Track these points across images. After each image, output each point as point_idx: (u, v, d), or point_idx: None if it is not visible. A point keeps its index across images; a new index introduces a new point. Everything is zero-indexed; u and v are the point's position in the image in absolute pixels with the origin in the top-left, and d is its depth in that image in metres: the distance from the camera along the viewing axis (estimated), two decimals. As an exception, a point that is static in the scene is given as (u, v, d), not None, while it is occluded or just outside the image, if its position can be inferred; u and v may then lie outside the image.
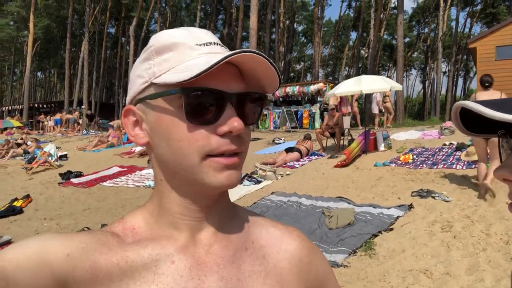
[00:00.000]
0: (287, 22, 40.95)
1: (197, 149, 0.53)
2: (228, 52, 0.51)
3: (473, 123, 0.54)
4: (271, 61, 0.53)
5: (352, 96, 14.57)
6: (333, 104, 12.73)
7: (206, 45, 0.56)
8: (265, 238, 0.65)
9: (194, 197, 0.58)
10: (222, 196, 0.61)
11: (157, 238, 0.58)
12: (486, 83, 5.50)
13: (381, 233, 4.63)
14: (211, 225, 0.60)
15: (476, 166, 6.53)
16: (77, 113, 24.54)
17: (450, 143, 8.82)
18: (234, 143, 0.53)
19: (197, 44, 0.56)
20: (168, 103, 0.54)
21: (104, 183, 8.84)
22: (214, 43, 0.57)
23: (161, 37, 0.57)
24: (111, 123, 16.61)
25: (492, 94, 5.36)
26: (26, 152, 13.76)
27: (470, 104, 0.48)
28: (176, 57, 0.55)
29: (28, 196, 7.74)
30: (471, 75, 44.43)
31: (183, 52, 0.55)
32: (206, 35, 0.58)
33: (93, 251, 0.52)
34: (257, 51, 0.52)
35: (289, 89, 18.52)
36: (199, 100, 0.52)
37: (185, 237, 0.58)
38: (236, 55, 0.50)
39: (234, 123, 0.52)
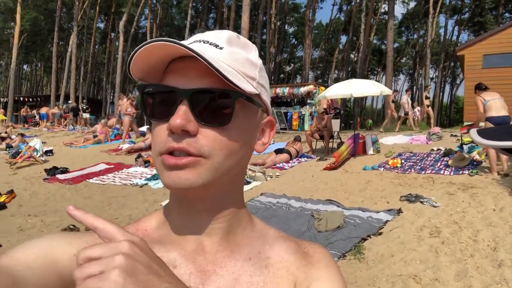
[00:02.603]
0: (278, 23, 40.96)
1: (155, 145, 0.53)
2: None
3: None
4: (191, 48, 0.48)
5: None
6: (322, 107, 12.76)
7: (192, 43, 0.55)
8: (274, 250, 0.63)
9: (178, 198, 0.58)
10: (223, 201, 0.58)
11: (164, 241, 0.58)
12: (484, 86, 6.83)
13: (370, 237, 4.64)
14: (216, 232, 0.58)
15: (464, 172, 6.77)
16: (64, 107, 24.00)
17: (438, 149, 8.93)
18: (178, 141, 0.50)
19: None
20: None
21: (91, 180, 8.69)
22: (199, 41, 0.55)
23: None
24: (103, 121, 16.14)
25: (494, 94, 6.61)
26: (9, 146, 13.45)
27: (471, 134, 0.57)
28: None
29: (12, 191, 7.55)
30: (458, 81, 45.13)
31: None
32: (202, 35, 0.57)
33: None
34: (168, 38, 0.48)
35: (279, 90, 18.55)
36: (151, 96, 0.53)
37: (189, 242, 0.58)
38: (145, 46, 0.49)
39: (175, 120, 0.49)
